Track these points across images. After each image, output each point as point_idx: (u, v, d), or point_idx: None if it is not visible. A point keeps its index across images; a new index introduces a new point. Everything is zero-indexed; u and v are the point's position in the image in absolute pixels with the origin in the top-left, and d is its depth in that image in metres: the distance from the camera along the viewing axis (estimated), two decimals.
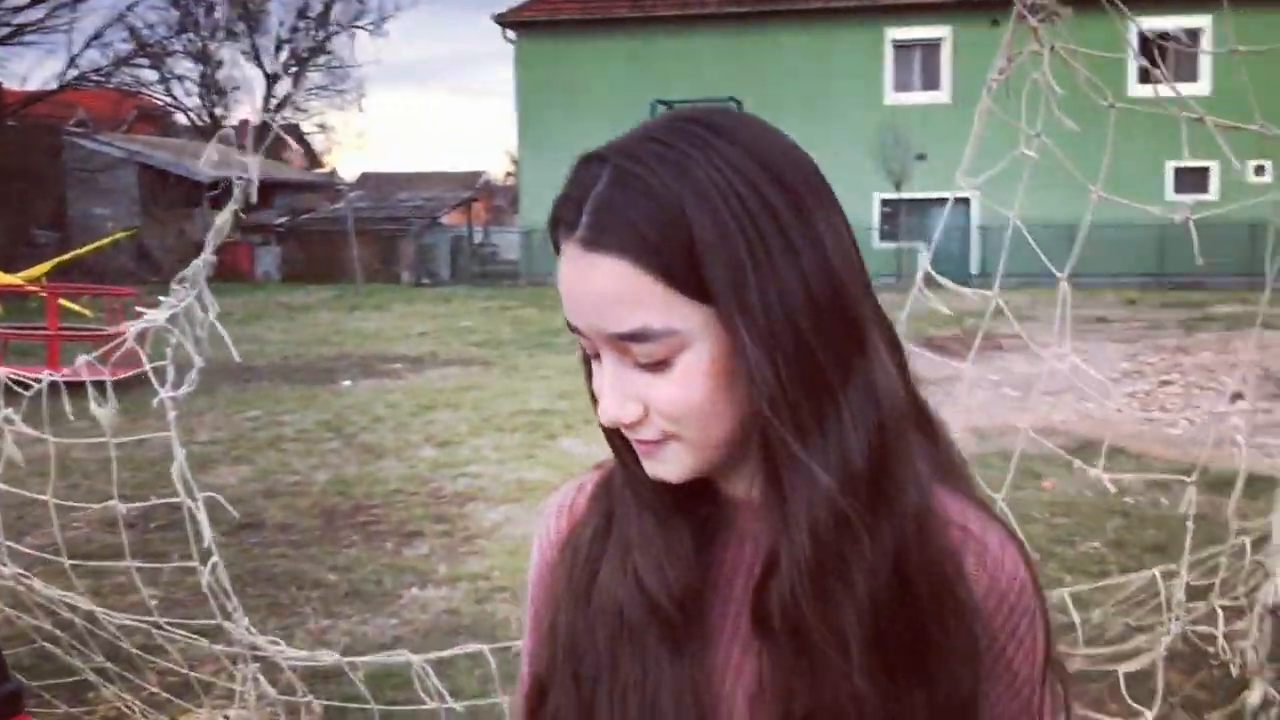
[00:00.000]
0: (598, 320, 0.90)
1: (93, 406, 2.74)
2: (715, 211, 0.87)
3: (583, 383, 1.00)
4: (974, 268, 26.83)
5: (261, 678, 2.93)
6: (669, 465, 0.95)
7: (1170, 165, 26.51)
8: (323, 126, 49.25)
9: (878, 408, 0.92)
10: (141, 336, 2.74)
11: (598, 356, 0.94)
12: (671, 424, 0.92)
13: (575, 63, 29.07)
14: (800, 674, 0.93)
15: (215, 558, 2.83)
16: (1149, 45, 2.60)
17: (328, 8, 44.11)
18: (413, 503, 7.64)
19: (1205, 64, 25.48)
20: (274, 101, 44.15)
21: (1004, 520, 1.01)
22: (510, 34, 29.84)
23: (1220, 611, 2.35)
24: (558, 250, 0.94)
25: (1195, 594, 2.42)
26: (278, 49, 44.17)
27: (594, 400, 0.98)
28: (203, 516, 2.78)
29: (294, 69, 44.73)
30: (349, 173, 48.77)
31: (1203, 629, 2.35)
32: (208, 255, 2.68)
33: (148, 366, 2.72)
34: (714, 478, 1.00)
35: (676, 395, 0.90)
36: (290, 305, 24.21)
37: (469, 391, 12.18)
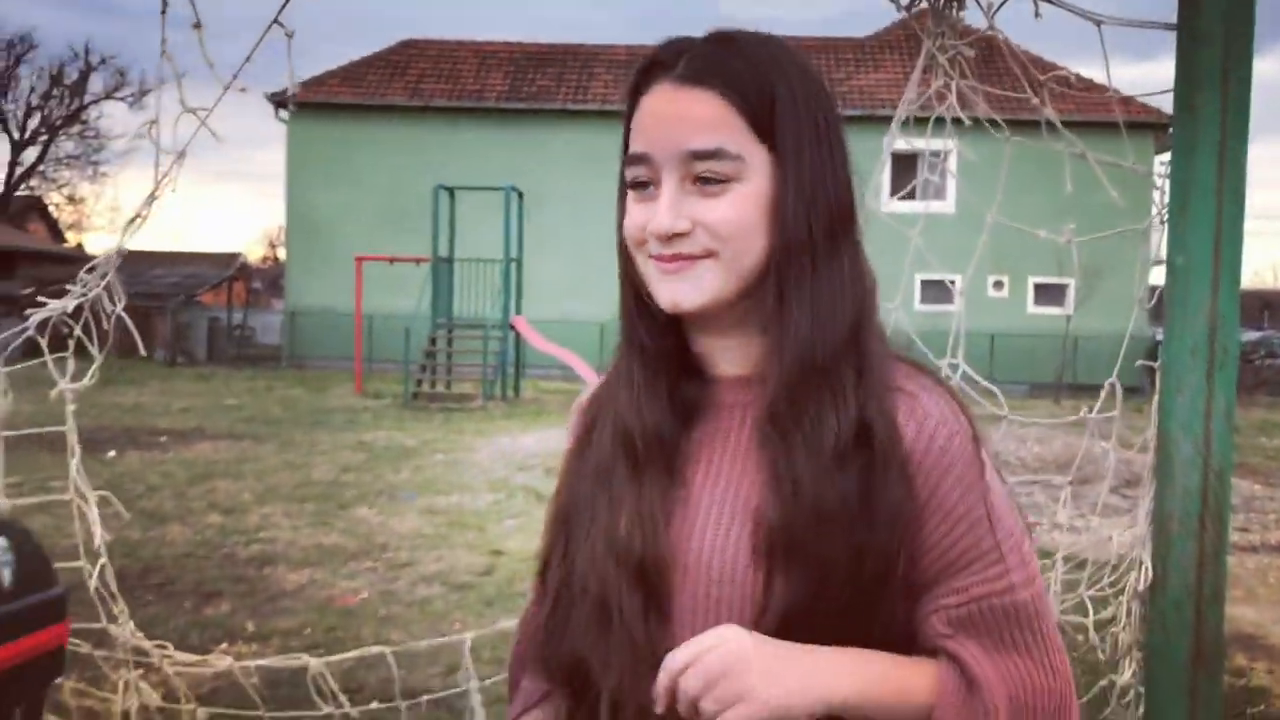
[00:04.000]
0: (680, 139, 1.11)
1: None
2: (793, 91, 1.13)
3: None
4: None
5: (144, 684, 2.84)
6: (695, 284, 1.12)
7: (918, 278, 28.20)
8: (72, 199, 46.72)
9: (863, 280, 1.16)
10: (42, 326, 2.67)
11: (645, 185, 1.15)
12: (714, 240, 1.11)
13: (349, 146, 28.84)
14: (775, 491, 1.09)
15: (104, 559, 2.75)
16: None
17: (84, 76, 42.41)
18: (206, 565, 7.36)
19: (950, 184, 27.33)
20: (20, 169, 41.88)
21: (945, 383, 1.19)
22: (283, 114, 29.40)
23: (1089, 602, 2.60)
24: (638, 93, 1.16)
25: (1066, 586, 2.68)
26: (27, 115, 42.09)
27: (620, 236, 1.19)
28: (94, 515, 2.71)
29: (44, 137, 42.63)
30: (96, 249, 46.56)
31: (1073, 618, 2.60)
32: (120, 246, 2.65)
33: (49, 357, 2.65)
34: (705, 354, 1.19)
35: (727, 214, 1.11)
36: (35, 379, 22.80)
37: (246, 464, 11.80)
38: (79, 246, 42.10)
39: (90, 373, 2.68)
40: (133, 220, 2.60)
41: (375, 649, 2.86)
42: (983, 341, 25.00)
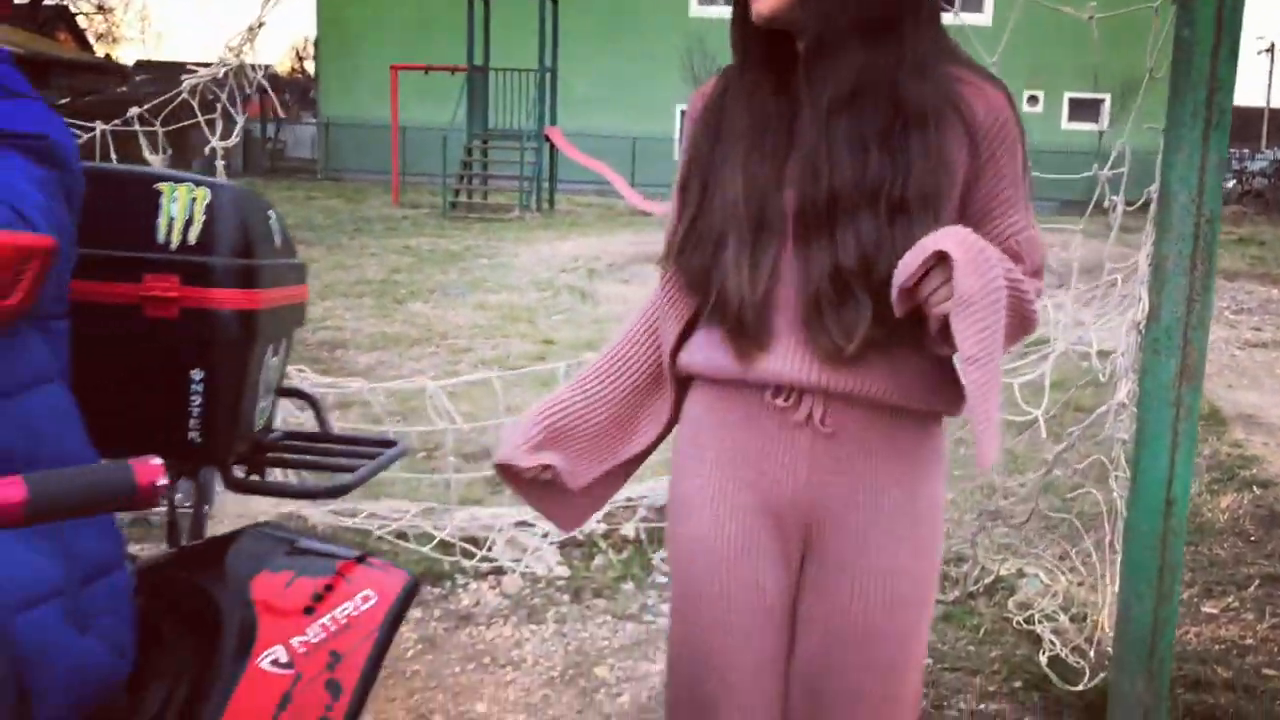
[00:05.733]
0: None
1: (145, 154, 3.07)
2: None
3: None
4: None
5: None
6: None
7: None
8: (101, 8, 46.33)
9: None
10: (193, 90, 3.07)
11: None
12: None
13: None
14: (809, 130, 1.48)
15: None
16: None
17: None
18: None
19: None
20: None
21: (999, 80, 1.56)
22: None
23: (1094, 336, 3.04)
24: None
25: (1076, 324, 3.11)
26: None
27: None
28: None
29: None
30: (126, 60, 46.31)
31: (1080, 347, 3.04)
32: (260, 19, 3.03)
33: (200, 119, 3.06)
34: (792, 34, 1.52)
35: None
36: None
37: None
38: (107, 57, 41.92)
39: (235, 131, 3.09)
40: None
41: (482, 374, 3.34)
42: None
